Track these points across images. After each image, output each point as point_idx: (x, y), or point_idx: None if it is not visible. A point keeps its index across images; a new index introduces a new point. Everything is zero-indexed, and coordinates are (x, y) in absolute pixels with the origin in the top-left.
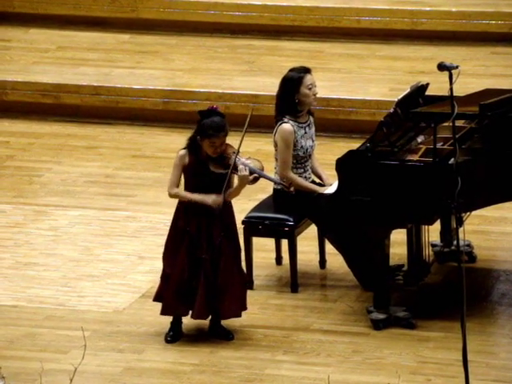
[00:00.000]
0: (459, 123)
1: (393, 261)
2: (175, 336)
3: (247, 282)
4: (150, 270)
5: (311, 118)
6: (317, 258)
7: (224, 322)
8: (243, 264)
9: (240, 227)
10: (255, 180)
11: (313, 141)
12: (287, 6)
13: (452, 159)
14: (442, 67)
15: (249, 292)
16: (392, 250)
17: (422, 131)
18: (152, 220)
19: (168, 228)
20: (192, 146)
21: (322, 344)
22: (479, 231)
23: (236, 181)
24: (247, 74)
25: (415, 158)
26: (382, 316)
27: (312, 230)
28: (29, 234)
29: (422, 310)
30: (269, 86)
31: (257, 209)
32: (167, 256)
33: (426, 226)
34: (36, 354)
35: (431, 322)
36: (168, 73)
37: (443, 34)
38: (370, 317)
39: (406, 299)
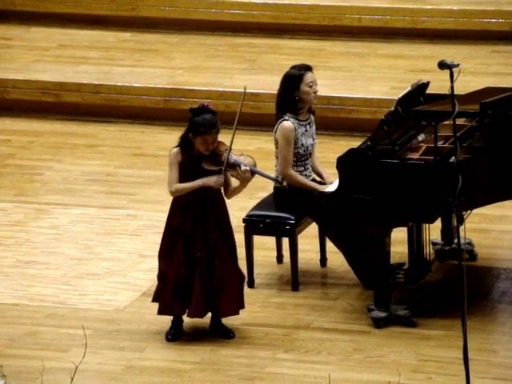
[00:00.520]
0: (460, 121)
1: (393, 259)
2: (176, 334)
3: (244, 280)
4: (151, 269)
5: (312, 117)
6: (317, 256)
7: (225, 321)
8: (244, 262)
9: (241, 225)
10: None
11: (313, 139)
12: (288, 5)
13: (453, 157)
14: (442, 65)
15: (249, 290)
16: (393, 249)
17: (423, 129)
18: (153, 218)
19: None
20: (184, 144)
21: (322, 342)
22: (480, 229)
23: (229, 177)
24: (248, 72)
25: (416, 156)
26: (382, 314)
27: (313, 229)
28: (30, 233)
29: (422, 308)
30: (270, 84)
31: (258, 207)
32: (163, 255)
33: (427, 225)
34: (37, 352)
35: (432, 320)
36: (169, 71)
37: (444, 33)
38: (370, 315)
39: (406, 297)
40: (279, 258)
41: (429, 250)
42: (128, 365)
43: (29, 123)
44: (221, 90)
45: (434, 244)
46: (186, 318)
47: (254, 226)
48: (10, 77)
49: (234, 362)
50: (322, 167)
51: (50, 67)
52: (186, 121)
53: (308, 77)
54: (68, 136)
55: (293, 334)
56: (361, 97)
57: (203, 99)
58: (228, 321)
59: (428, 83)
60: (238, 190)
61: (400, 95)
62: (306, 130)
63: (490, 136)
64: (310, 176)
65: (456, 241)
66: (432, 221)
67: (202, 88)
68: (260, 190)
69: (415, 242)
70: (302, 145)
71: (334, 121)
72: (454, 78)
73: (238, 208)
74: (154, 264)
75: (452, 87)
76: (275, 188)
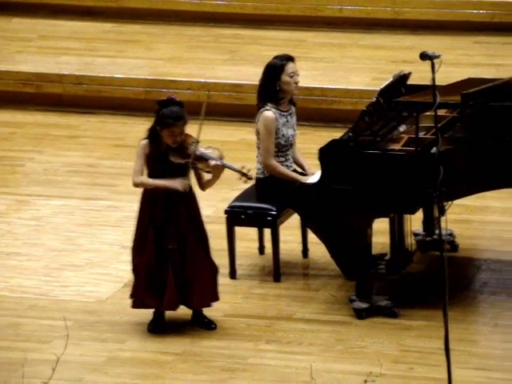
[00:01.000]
0: (441, 112)
1: (375, 250)
2: (158, 326)
3: (217, 271)
4: None
5: (293, 108)
6: (299, 247)
7: (207, 312)
8: (226, 254)
9: (223, 217)
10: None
11: (294, 130)
12: None
13: (434, 148)
14: (424, 56)
15: (231, 281)
16: (374, 239)
17: (405, 120)
18: (134, 209)
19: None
20: (152, 137)
21: (304, 333)
22: (461, 220)
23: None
24: (230, 63)
25: (397, 147)
26: (364, 305)
27: (295, 220)
28: (11, 224)
29: (404, 298)
30: (252, 75)
31: (239, 198)
32: (135, 248)
33: (409, 216)
34: (19, 343)
35: (413, 311)
36: (150, 62)
37: (426, 24)
38: (352, 306)
39: (388, 288)
40: (261, 249)
41: (410, 241)
42: (110, 356)
43: (10, 114)
44: (203, 81)
45: (416, 235)
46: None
47: (235, 217)
48: None
49: (215, 353)
50: (303, 158)
51: (32, 58)
52: None
53: (289, 67)
54: (49, 127)
55: (275, 324)
56: (342, 88)
57: (185, 90)
58: (210, 312)
59: (409, 74)
60: (211, 183)
61: (381, 86)
62: (287, 121)
63: (471, 127)
64: (291, 167)
65: (437, 232)
66: (413, 212)
67: (184, 79)
68: (241, 181)
69: (397, 232)
70: (283, 135)
71: (315, 112)
72: (436, 68)
73: (220, 199)
74: None
75: (433, 78)
76: (257, 179)
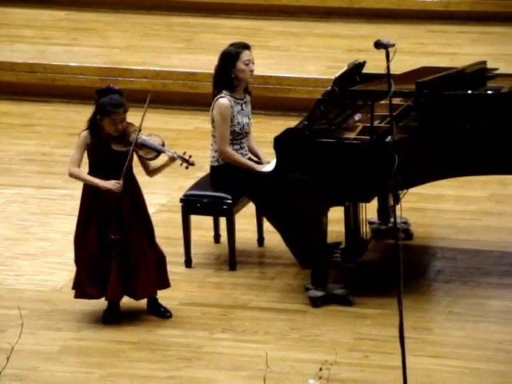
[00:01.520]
0: (396, 101)
1: (330, 238)
2: (113, 315)
3: (164, 259)
4: None
5: (248, 97)
6: (255, 235)
7: (162, 300)
8: (181, 242)
9: (178, 205)
10: (156, 157)
11: (249, 119)
12: None
13: (389, 137)
14: (378, 45)
15: (187, 270)
16: (330, 228)
17: (359, 109)
18: None
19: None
20: (93, 127)
21: (259, 321)
22: (416, 208)
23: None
24: (184, 51)
25: (352, 135)
26: (319, 293)
27: (250, 208)
28: None
29: (359, 287)
30: (206, 63)
31: (195, 187)
32: (77, 239)
33: (364, 204)
34: None
35: (368, 299)
36: (105, 50)
37: (380, 12)
38: (307, 294)
39: (343, 276)
40: (216, 238)
41: (365, 230)
42: (64, 345)
43: None
44: (157, 69)
45: (371, 223)
46: (123, 299)
47: (191, 205)
48: None
49: (171, 341)
50: (258, 147)
51: None
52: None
53: (245, 55)
54: (3, 115)
55: (230, 313)
56: (297, 76)
57: (139, 78)
58: (165, 300)
59: (364, 63)
60: (159, 170)
61: (336, 75)
62: (242, 109)
63: (425, 116)
64: (246, 155)
65: (392, 220)
66: (368, 200)
67: (138, 67)
68: (197, 170)
69: (352, 221)
70: (238, 123)
71: (270, 100)
72: (390, 57)
73: (176, 188)
74: None
75: (388, 67)
76: (212, 167)
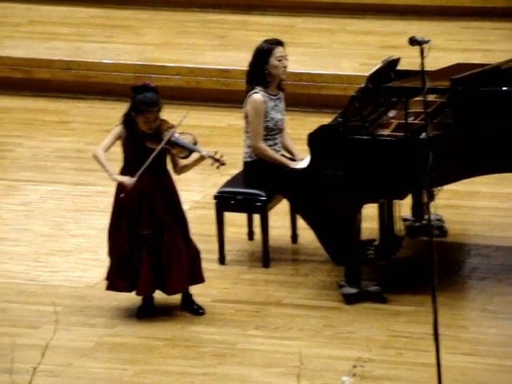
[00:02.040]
0: (430, 98)
1: (364, 235)
2: (147, 311)
3: (198, 254)
4: None
5: (281, 94)
6: (288, 232)
7: (196, 298)
8: (215, 239)
9: (212, 202)
10: (189, 155)
11: (282, 115)
12: None
13: (423, 134)
14: (413, 42)
15: (221, 267)
16: (363, 225)
17: (394, 106)
18: None
19: None
20: (127, 123)
21: (293, 318)
22: (450, 205)
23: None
24: (218, 48)
25: (387, 132)
26: (353, 290)
27: (284, 205)
28: (0, 209)
29: (393, 284)
30: (240, 60)
31: (229, 184)
32: (110, 232)
33: (398, 201)
34: (7, 328)
35: (402, 296)
36: (139, 47)
37: (415, 9)
38: (341, 291)
39: (377, 274)
40: (250, 235)
41: (399, 227)
42: (99, 341)
43: None
44: (191, 66)
45: (405, 220)
46: (157, 294)
47: (225, 202)
48: None
49: (205, 338)
50: (292, 144)
51: (21, 43)
52: None
53: (278, 51)
54: (38, 112)
55: (263, 310)
56: (331, 73)
57: (173, 75)
58: (199, 297)
59: (399, 59)
60: (187, 168)
61: (371, 71)
62: (276, 105)
63: (460, 112)
64: (279, 151)
65: (426, 217)
66: (402, 197)
67: (173, 64)
68: (231, 166)
69: (386, 218)
70: (272, 118)
71: (304, 97)
72: (425, 54)
73: (210, 185)
74: None
75: (422, 63)
76: (245, 163)
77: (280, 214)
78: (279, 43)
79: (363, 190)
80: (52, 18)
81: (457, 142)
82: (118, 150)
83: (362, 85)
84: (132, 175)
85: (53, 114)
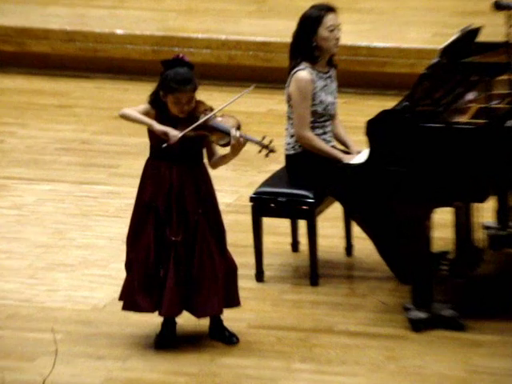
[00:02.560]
0: None
1: (436, 247)
2: (167, 339)
3: (235, 271)
4: None
5: (333, 71)
6: (342, 243)
7: (227, 322)
8: (250, 250)
9: (248, 205)
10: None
11: (334, 98)
12: None
13: (510, 121)
14: (498, 6)
15: (258, 285)
16: (435, 234)
17: (473, 86)
18: None
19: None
20: (155, 103)
21: (348, 349)
22: None
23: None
24: (256, 15)
25: (464, 119)
26: (422, 315)
27: (336, 209)
28: None
29: (472, 307)
30: (282, 30)
31: (268, 183)
32: (131, 239)
33: (477, 204)
34: None
35: (484, 323)
36: (159, 14)
37: None
38: (407, 316)
39: (452, 294)
40: (294, 246)
41: (480, 236)
42: (109, 377)
43: None
44: (223, 37)
45: (487, 228)
46: (179, 319)
47: (263, 205)
48: None
49: (239, 373)
50: (346, 133)
51: (12, 9)
52: None
53: (329, 19)
54: (34, 94)
55: (311, 338)
56: (396, 46)
57: (201, 49)
58: (232, 322)
59: (479, 29)
60: (227, 159)
61: (445, 44)
62: (326, 85)
63: None
64: (330, 142)
65: None
66: (483, 200)
67: (200, 35)
68: (271, 161)
69: (463, 225)
70: (321, 102)
71: (362, 76)
72: None
73: (245, 184)
74: None
75: (509, 33)
76: (287, 156)
77: (331, 220)
78: (330, 9)
79: (434, 190)
80: None
81: None
82: (136, 142)
83: (434, 60)
84: (161, 164)
85: (52, 96)
